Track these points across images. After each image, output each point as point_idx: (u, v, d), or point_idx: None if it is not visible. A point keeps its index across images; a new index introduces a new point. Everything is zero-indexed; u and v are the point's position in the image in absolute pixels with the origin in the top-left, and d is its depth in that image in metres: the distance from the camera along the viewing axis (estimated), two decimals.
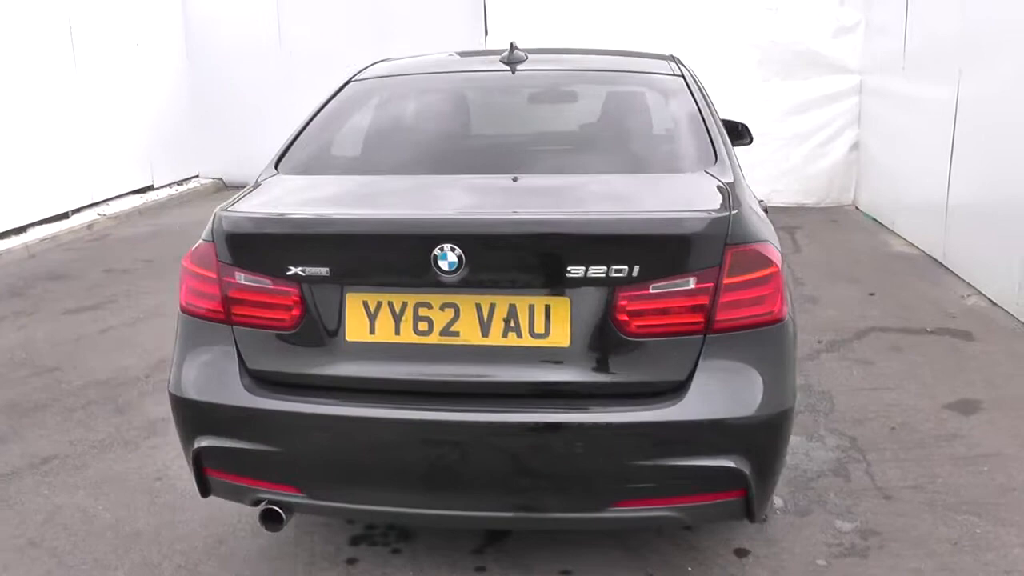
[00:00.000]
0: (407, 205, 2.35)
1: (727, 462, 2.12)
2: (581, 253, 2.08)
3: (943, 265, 5.88)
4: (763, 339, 2.18)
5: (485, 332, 2.14)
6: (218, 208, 2.36)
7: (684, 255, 2.11)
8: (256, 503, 2.31)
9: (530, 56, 3.10)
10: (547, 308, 2.13)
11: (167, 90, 9.80)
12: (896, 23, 7.14)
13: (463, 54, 3.54)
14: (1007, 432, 3.50)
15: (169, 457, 3.43)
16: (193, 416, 2.31)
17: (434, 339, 2.16)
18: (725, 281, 2.12)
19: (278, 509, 2.27)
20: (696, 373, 2.14)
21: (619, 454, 2.12)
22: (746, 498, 2.19)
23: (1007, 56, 5.08)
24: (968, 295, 5.27)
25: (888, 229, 7.11)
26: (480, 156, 2.78)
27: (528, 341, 2.14)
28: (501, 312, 2.14)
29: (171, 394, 2.35)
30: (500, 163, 2.67)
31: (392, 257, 2.17)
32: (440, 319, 2.15)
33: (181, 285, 2.39)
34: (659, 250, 2.12)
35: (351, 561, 2.70)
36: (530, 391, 2.16)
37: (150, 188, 9.44)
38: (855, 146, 8.44)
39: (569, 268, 2.08)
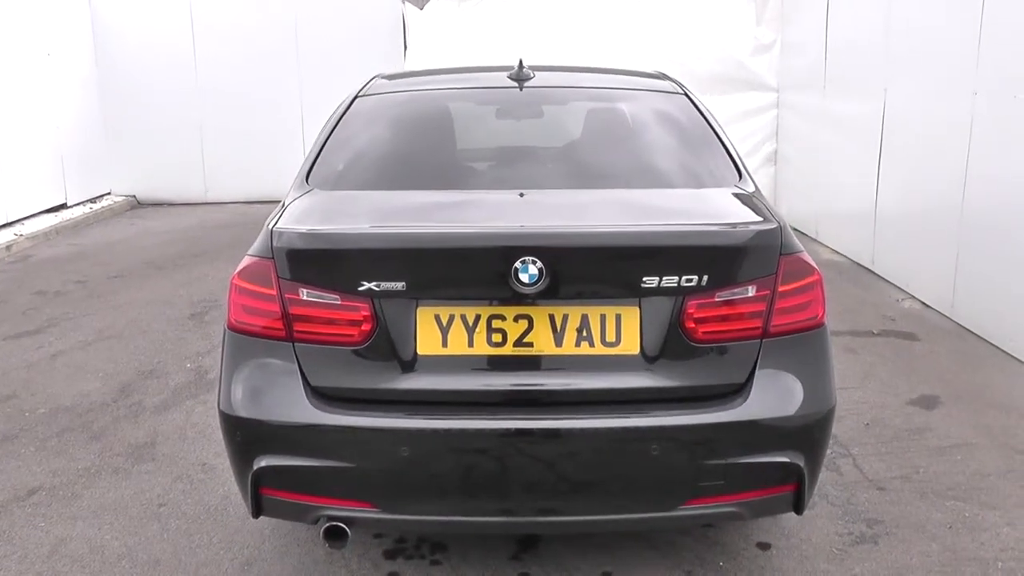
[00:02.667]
0: (472, 220, 2.39)
1: (787, 457, 2.26)
2: (656, 264, 2.18)
3: (872, 271, 6.29)
4: (810, 342, 2.33)
5: (559, 342, 2.21)
6: (272, 225, 2.33)
7: (747, 264, 2.24)
8: (317, 521, 2.28)
9: (536, 73, 3.19)
10: (618, 317, 2.21)
11: (77, 103, 9.38)
12: (815, 42, 7.59)
13: (464, 70, 3.60)
14: (968, 423, 3.79)
15: (166, 482, 3.32)
16: (253, 435, 2.26)
17: (508, 350, 2.21)
18: (780, 288, 2.26)
19: (343, 526, 2.25)
20: (755, 375, 2.27)
21: (691, 455, 2.22)
22: (797, 491, 2.33)
23: (930, 74, 5.52)
24: (902, 299, 5.66)
25: (811, 238, 7.52)
26: (515, 171, 2.84)
27: (600, 350, 2.22)
28: (574, 322, 2.21)
29: (225, 414, 2.29)
30: (539, 178, 2.74)
31: (471, 270, 2.21)
32: (514, 330, 2.20)
33: (230, 303, 2.34)
34: (726, 260, 2.24)
35: (393, 575, 2.70)
36: (603, 398, 2.23)
37: (64, 206, 8.99)
38: (773, 159, 8.91)
39: (644, 279, 2.17)
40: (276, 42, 9.81)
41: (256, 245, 2.34)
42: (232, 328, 2.33)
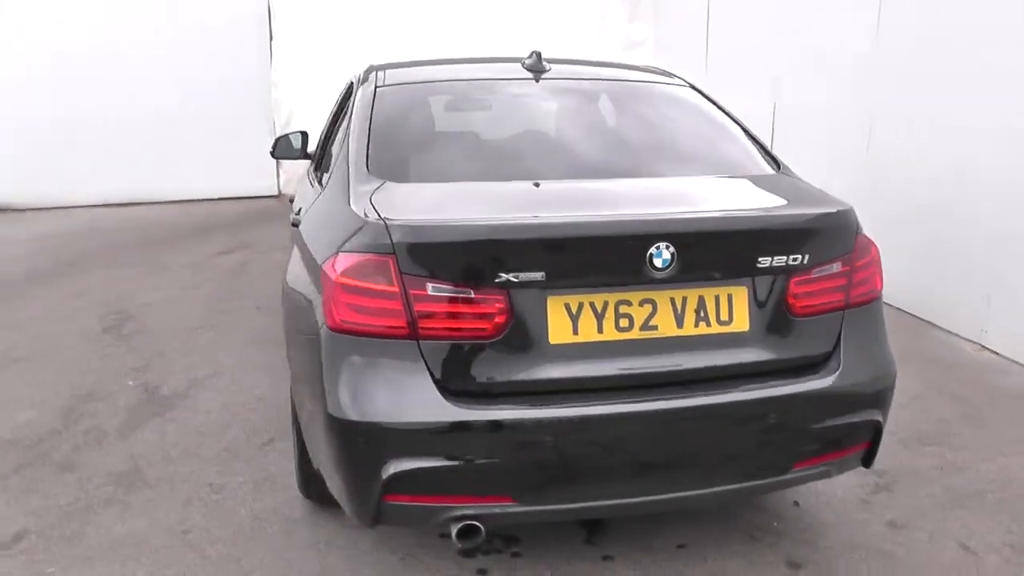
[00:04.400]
0: (591, 208, 2.39)
1: (870, 416, 2.47)
2: (770, 245, 2.31)
3: None
4: (874, 311, 2.56)
5: (680, 323, 2.28)
6: (383, 217, 2.21)
7: (836, 243, 2.42)
8: (445, 522, 2.23)
9: (552, 66, 3.23)
10: (730, 297, 2.32)
11: None
12: (695, 39, 8.05)
13: (470, 61, 3.55)
14: (917, 379, 4.21)
15: (177, 508, 3.07)
16: (383, 440, 2.15)
17: (635, 334, 2.25)
18: (856, 263, 2.47)
19: (478, 524, 2.22)
20: (840, 344, 2.46)
21: (803, 421, 2.37)
22: (871, 446, 2.55)
23: (819, 71, 6.06)
24: None
25: None
26: (577, 160, 2.85)
27: (715, 328, 2.31)
28: (692, 304, 2.29)
29: (344, 421, 2.16)
30: (605, 167, 2.78)
31: (607, 257, 2.22)
32: (640, 315, 2.25)
33: (334, 303, 2.21)
34: (823, 240, 2.40)
35: (482, 572, 2.67)
36: (720, 374, 2.33)
37: None
38: None
39: (760, 259, 2.29)
40: (144, 30, 9.10)
41: (357, 240, 2.22)
42: (338, 329, 2.20)
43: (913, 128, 5.18)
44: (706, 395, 2.26)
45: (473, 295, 2.14)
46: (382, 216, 2.21)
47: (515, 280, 2.14)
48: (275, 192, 9.93)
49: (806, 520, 2.99)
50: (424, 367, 2.16)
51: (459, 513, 2.19)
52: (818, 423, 2.39)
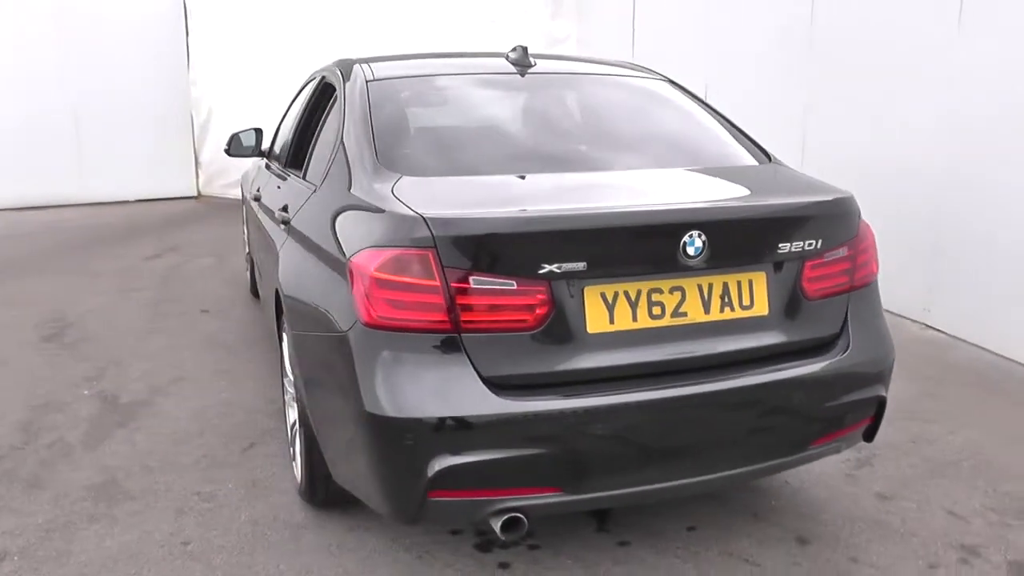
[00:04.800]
0: (623, 199, 2.40)
1: (877, 392, 2.58)
2: (790, 232, 2.38)
3: None
4: (873, 292, 2.68)
5: (707, 309, 2.33)
6: (418, 210, 2.17)
7: (844, 228, 2.52)
8: (489, 516, 2.21)
9: (537, 61, 3.23)
10: (750, 282, 2.38)
11: None
12: (621, 36, 8.18)
13: (451, 55, 3.51)
14: None
15: (169, 518, 2.93)
16: (430, 436, 2.11)
17: (666, 321, 2.29)
18: (859, 247, 2.57)
19: (522, 516, 2.20)
20: (847, 325, 2.56)
21: (821, 399, 2.46)
22: (874, 421, 2.66)
23: (746, 72, 6.27)
24: None
25: None
26: (585, 153, 2.86)
27: (739, 313, 2.37)
28: (717, 290, 2.34)
29: (386, 418, 2.11)
30: (614, 159, 2.80)
31: (643, 246, 2.24)
32: (670, 302, 2.29)
33: (369, 299, 2.16)
34: (834, 225, 2.49)
35: (504, 566, 2.65)
36: (745, 357, 2.38)
37: None
38: None
39: (780, 245, 2.37)
40: (51, 25, 8.61)
41: (392, 233, 2.17)
42: (374, 325, 2.15)
43: (848, 121, 5.43)
44: (738, 378, 2.32)
45: (516, 286, 2.13)
46: (416, 209, 2.17)
47: (557, 271, 2.14)
48: (195, 193, 9.60)
49: (801, 497, 3.09)
50: (467, 360, 2.13)
51: (505, 506, 2.17)
52: (834, 400, 2.48)
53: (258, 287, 4.88)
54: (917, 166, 4.94)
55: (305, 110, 3.75)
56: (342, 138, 2.79)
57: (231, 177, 9.27)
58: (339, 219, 2.50)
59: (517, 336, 2.16)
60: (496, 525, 2.21)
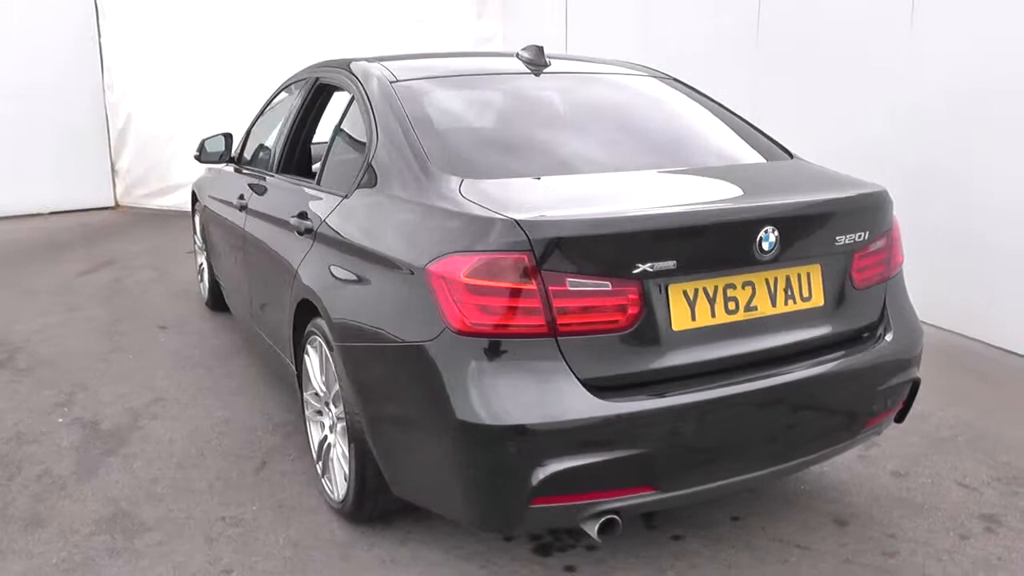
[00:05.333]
0: (685, 198, 2.42)
1: (913, 375, 2.71)
2: (846, 224, 2.47)
3: None
4: (900, 279, 2.80)
5: (774, 302, 2.38)
6: (508, 214, 2.13)
7: (884, 219, 2.63)
8: (585, 519, 2.20)
9: (553, 61, 3.23)
10: (808, 275, 2.45)
11: None
12: (553, 36, 8.24)
13: (460, 55, 3.45)
14: None
15: (201, 547, 2.78)
16: (535, 443, 2.07)
17: (740, 316, 2.33)
18: (893, 236, 2.69)
19: (617, 517, 2.20)
20: (885, 311, 2.67)
21: (874, 383, 2.55)
22: (906, 404, 2.79)
23: (690, 69, 6.42)
24: None
25: None
26: (636, 151, 2.85)
27: (800, 305, 2.44)
28: (781, 283, 2.40)
29: (484, 427, 2.07)
30: (660, 157, 2.81)
31: (724, 243, 2.27)
32: (743, 297, 2.33)
33: (459, 305, 2.10)
34: (879, 216, 2.60)
35: (570, 569, 2.64)
36: (807, 347, 2.45)
37: None
38: None
39: (837, 237, 2.45)
40: None
41: (482, 238, 2.13)
42: (466, 332, 2.11)
43: (796, 119, 5.64)
44: (808, 368, 2.38)
45: (611, 287, 2.13)
46: (503, 213, 2.14)
47: (650, 270, 2.15)
48: (112, 203, 9.12)
49: (825, 481, 3.20)
50: (565, 364, 2.11)
51: (604, 508, 2.17)
52: (884, 384, 2.58)
53: (229, 299, 4.68)
54: (865, 157, 5.19)
55: (298, 113, 3.62)
56: (377, 142, 2.71)
57: (152, 186, 8.87)
58: (398, 225, 2.43)
59: (609, 337, 2.16)
60: (593, 528, 2.20)
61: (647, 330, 2.20)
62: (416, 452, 2.35)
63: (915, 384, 2.73)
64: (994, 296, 4.61)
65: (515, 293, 2.08)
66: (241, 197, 3.93)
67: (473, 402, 2.08)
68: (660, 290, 2.21)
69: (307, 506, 3.02)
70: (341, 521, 2.90)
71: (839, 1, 5.33)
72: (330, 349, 2.70)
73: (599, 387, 2.15)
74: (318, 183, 3.13)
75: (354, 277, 2.55)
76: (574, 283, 2.10)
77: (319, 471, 3.05)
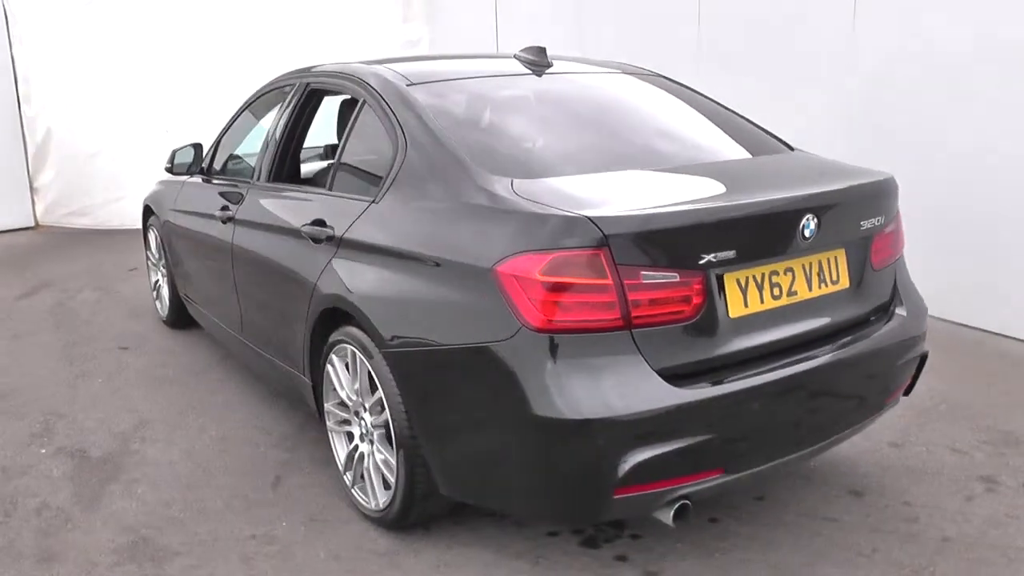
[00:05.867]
0: (735, 190, 2.50)
1: (923, 348, 2.88)
2: (871, 209, 2.62)
3: None
4: (903, 259, 2.98)
5: (811, 287, 2.50)
6: (578, 212, 2.17)
7: (894, 203, 2.79)
8: (663, 506, 2.26)
9: (555, 62, 3.29)
10: (835, 259, 2.58)
11: None
12: (481, 40, 8.29)
13: (453, 57, 3.45)
14: None
15: (235, 566, 2.71)
16: (619, 434, 2.12)
17: (783, 300, 2.43)
18: (898, 219, 2.86)
19: (688, 502, 2.27)
20: (896, 290, 2.84)
21: (895, 358, 2.70)
22: (914, 378, 2.97)
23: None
24: None
25: None
26: (664, 147, 2.91)
27: (831, 288, 2.56)
28: (815, 268, 2.52)
29: (572, 422, 2.10)
30: (687, 152, 2.91)
31: (772, 232, 2.37)
32: (785, 282, 2.43)
33: (537, 303, 2.13)
34: (891, 201, 2.76)
35: (621, 558, 2.69)
36: (838, 328, 2.59)
37: None
38: None
39: (862, 222, 2.58)
40: None
41: (551, 236, 2.16)
42: (546, 329, 2.14)
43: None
44: (846, 347, 2.52)
45: (678, 278, 2.20)
46: (572, 210, 2.18)
47: (714, 260, 2.23)
48: (31, 223, 8.65)
49: (832, 456, 3.35)
50: (640, 355, 2.17)
51: (679, 494, 2.23)
52: (902, 359, 2.74)
53: (202, 315, 4.52)
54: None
55: (289, 120, 3.54)
56: (406, 145, 2.69)
57: (75, 205, 8.46)
58: (451, 227, 2.43)
59: (676, 327, 2.23)
60: (668, 515, 2.26)
61: (708, 318, 2.28)
62: (484, 452, 2.36)
63: (923, 357, 2.90)
64: (929, 273, 4.91)
65: (593, 288, 2.13)
66: (224, 208, 3.82)
67: (557, 398, 2.12)
68: (717, 279, 2.29)
69: (339, 517, 2.98)
70: (379, 530, 2.87)
71: None
72: (367, 356, 2.67)
73: (673, 376, 2.22)
74: (330, 189, 3.08)
75: (401, 282, 2.53)
76: (647, 276, 2.16)
77: (347, 481, 3.00)
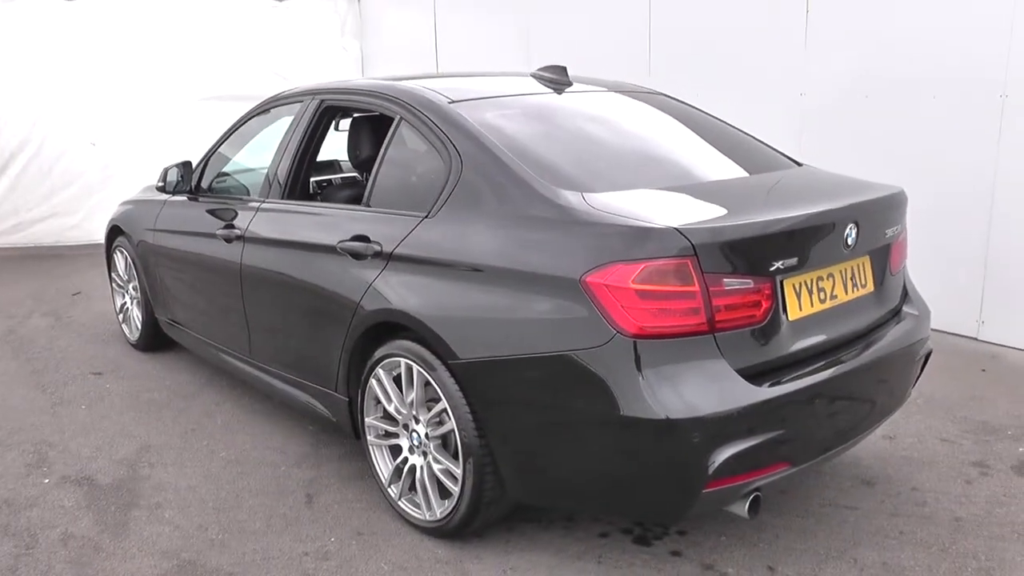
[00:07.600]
0: (788, 201, 2.69)
1: (930, 343, 3.15)
2: (892, 218, 2.87)
3: None
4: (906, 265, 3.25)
5: (847, 291, 2.71)
6: (666, 223, 2.31)
7: (904, 212, 3.03)
8: (739, 499, 2.40)
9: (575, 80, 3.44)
10: (862, 265, 2.80)
11: None
12: (421, 56, 8.40)
13: (470, 75, 3.53)
14: None
15: None
16: (713, 433, 2.26)
17: (828, 304, 2.63)
18: (907, 229, 3.12)
19: (759, 494, 2.43)
20: (907, 290, 3.10)
21: (915, 354, 2.95)
22: (922, 368, 3.22)
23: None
24: None
25: None
26: (705, 162, 3.08)
27: (860, 292, 2.78)
28: (849, 273, 2.73)
29: (667, 422, 2.22)
30: (725, 166, 3.09)
31: (823, 239, 2.55)
32: (828, 287, 2.63)
33: (631, 311, 2.26)
34: (904, 211, 2.99)
35: (676, 554, 2.81)
36: (870, 327, 2.81)
37: None
38: None
39: (887, 230, 2.82)
40: None
41: (641, 247, 2.28)
42: (640, 335, 2.26)
43: None
44: (882, 345, 2.74)
45: (752, 284, 2.36)
46: (661, 222, 2.31)
47: (782, 267, 2.41)
48: None
49: None
50: (722, 357, 2.31)
51: (754, 486, 2.39)
52: (919, 355, 2.99)
53: (193, 338, 4.41)
54: None
55: (303, 137, 3.54)
56: (461, 161, 2.76)
57: (4, 224, 8.07)
58: (528, 239, 2.51)
59: (748, 330, 2.39)
60: (743, 507, 2.41)
61: (774, 321, 2.45)
62: (570, 454, 2.45)
63: (929, 353, 3.17)
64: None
65: (681, 295, 2.26)
66: (230, 227, 3.77)
67: (653, 400, 2.24)
68: (780, 285, 2.47)
69: (387, 530, 3.00)
70: (433, 540, 2.91)
71: (733, 4, 5.82)
72: (428, 369, 2.72)
73: (750, 375, 2.38)
74: (367, 205, 3.11)
75: (466, 293, 2.59)
76: (728, 283, 2.32)
77: (393, 494, 3.03)
